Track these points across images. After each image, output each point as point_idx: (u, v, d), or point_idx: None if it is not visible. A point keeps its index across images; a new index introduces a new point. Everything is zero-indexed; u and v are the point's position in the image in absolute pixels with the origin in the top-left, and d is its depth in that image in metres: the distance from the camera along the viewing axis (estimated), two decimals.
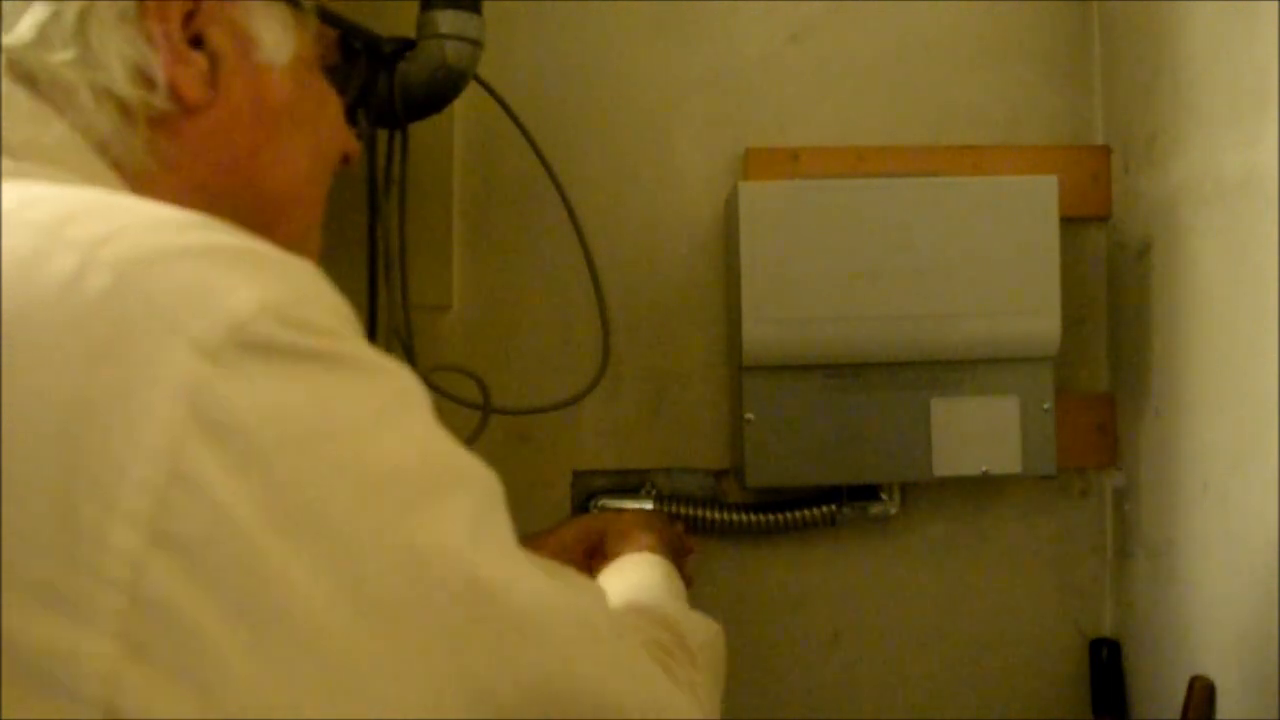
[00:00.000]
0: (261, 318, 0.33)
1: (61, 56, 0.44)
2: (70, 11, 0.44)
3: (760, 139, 1.10)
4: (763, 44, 1.11)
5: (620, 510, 1.04)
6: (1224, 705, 0.90)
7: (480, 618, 0.37)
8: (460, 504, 0.38)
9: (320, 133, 0.54)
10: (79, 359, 0.31)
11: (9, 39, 0.44)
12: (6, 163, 0.40)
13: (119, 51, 0.45)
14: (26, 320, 0.32)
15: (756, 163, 1.09)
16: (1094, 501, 1.13)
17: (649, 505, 1.08)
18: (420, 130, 0.98)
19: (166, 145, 0.46)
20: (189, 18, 0.47)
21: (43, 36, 0.44)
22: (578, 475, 1.10)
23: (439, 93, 0.91)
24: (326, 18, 0.57)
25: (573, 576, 0.46)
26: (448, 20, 0.89)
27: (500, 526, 0.40)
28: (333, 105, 0.56)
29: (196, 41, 0.47)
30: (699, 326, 1.11)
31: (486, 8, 0.91)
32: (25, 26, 0.44)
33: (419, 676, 0.35)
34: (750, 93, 1.11)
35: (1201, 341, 0.94)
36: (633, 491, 1.09)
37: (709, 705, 0.56)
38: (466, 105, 1.02)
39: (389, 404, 0.37)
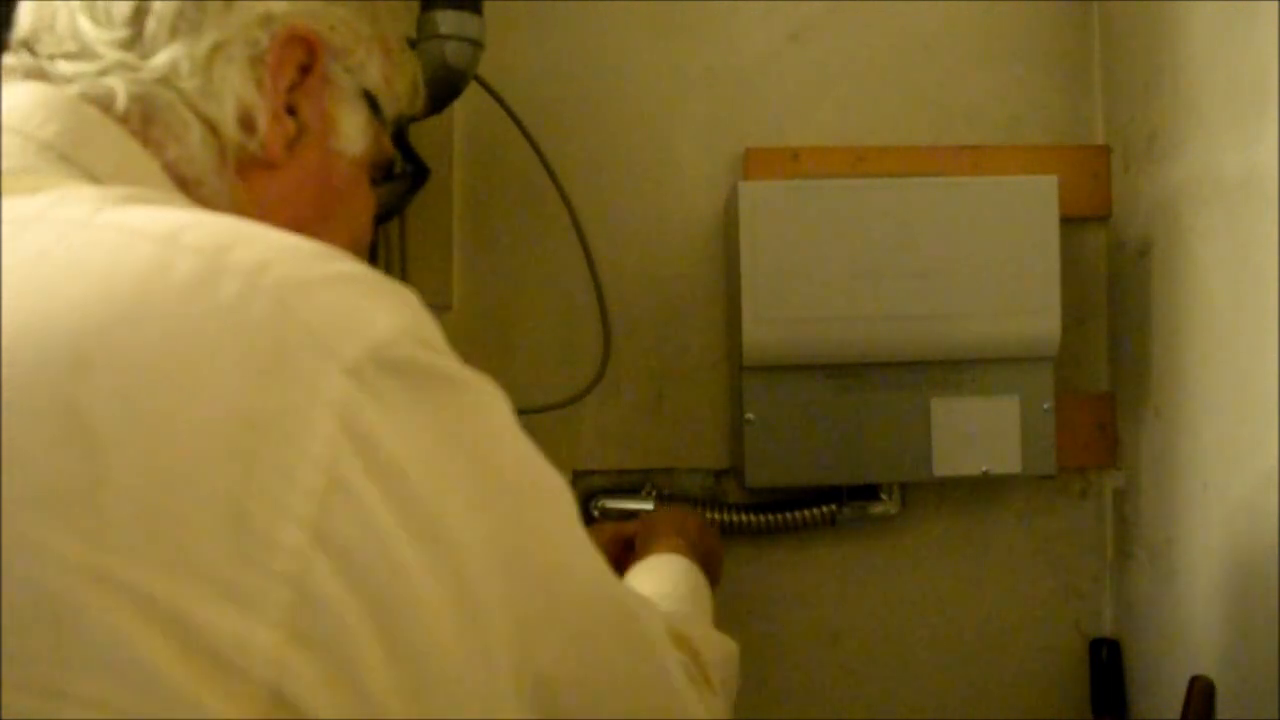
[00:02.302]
0: (400, 341, 0.37)
1: (187, 84, 0.48)
2: (206, 44, 0.49)
3: (760, 139, 1.10)
4: (763, 44, 1.11)
5: (651, 510, 1.04)
6: (1224, 705, 0.90)
7: (599, 622, 0.42)
8: (564, 513, 0.43)
9: (357, 232, 0.58)
10: (248, 378, 0.35)
11: (142, 74, 0.48)
12: (117, 189, 0.42)
13: (235, 90, 0.49)
14: (199, 340, 0.35)
15: (756, 163, 1.09)
16: (1094, 501, 1.13)
17: (649, 505, 1.08)
18: (420, 130, 0.98)
19: (243, 192, 0.50)
20: (292, 86, 0.52)
21: (174, 68, 0.48)
22: (578, 475, 1.10)
23: (439, 93, 0.91)
24: (396, 137, 0.61)
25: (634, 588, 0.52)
26: (448, 20, 0.89)
27: (586, 532, 0.45)
28: (371, 211, 0.60)
29: (289, 109, 0.52)
30: (699, 326, 1.11)
31: (486, 8, 0.91)
32: (160, 61, 0.48)
33: (537, 671, 0.40)
34: (750, 93, 1.11)
35: (1201, 341, 0.94)
36: (633, 491, 1.09)
37: None
38: (466, 105, 1.02)
39: (499, 420, 0.42)
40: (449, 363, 0.40)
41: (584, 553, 0.44)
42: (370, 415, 0.35)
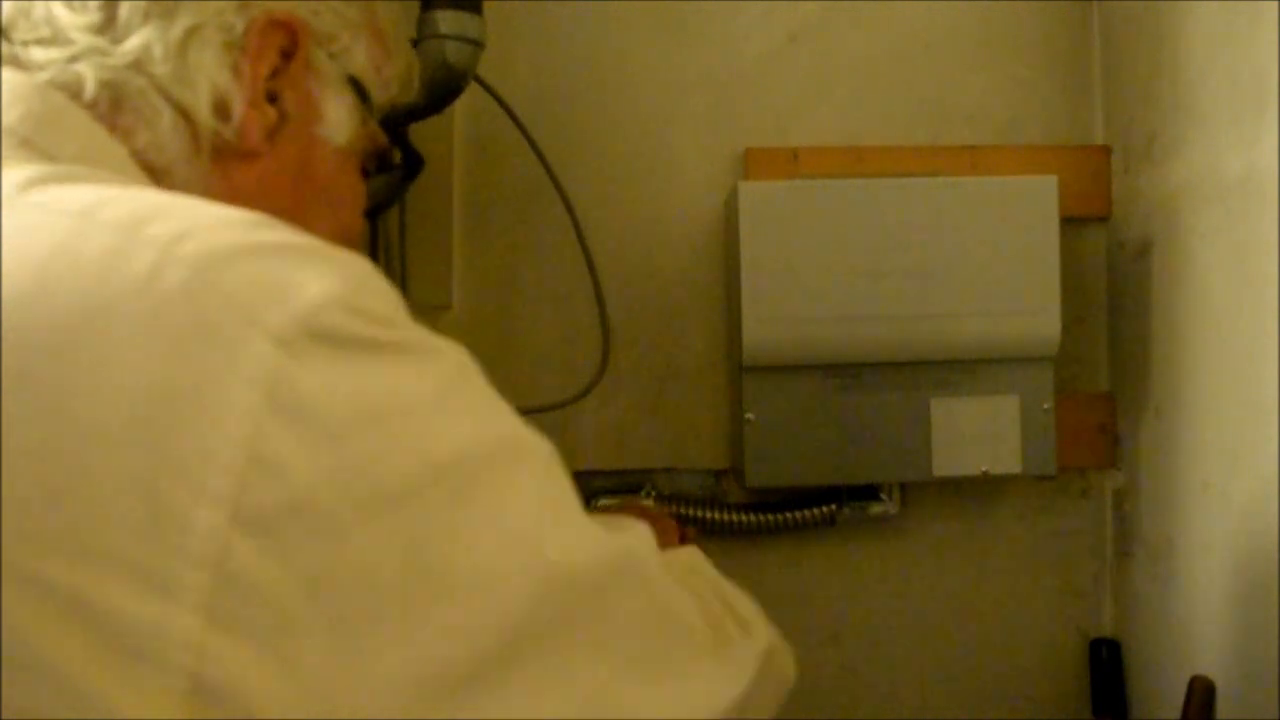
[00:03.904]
0: (329, 309, 0.36)
1: (160, 70, 0.47)
2: (179, 28, 0.47)
3: (760, 139, 1.10)
4: (763, 44, 1.11)
5: (625, 506, 1.04)
6: (1224, 705, 0.90)
7: (548, 589, 0.39)
8: (522, 477, 0.41)
9: (343, 220, 0.57)
10: (161, 350, 0.33)
11: (112, 59, 0.47)
12: (52, 167, 0.41)
13: (210, 76, 0.48)
14: (109, 314, 0.33)
15: (756, 163, 1.09)
16: (1094, 501, 1.13)
17: (649, 506, 1.08)
18: (420, 130, 0.98)
19: (217, 181, 0.49)
20: (274, 73, 0.50)
21: (146, 53, 0.47)
22: (578, 475, 1.08)
23: (439, 93, 0.91)
24: (386, 124, 0.60)
25: (624, 523, 0.49)
26: (448, 20, 0.88)
27: (560, 491, 0.43)
28: (359, 202, 0.59)
29: (270, 96, 0.51)
30: (699, 326, 1.11)
31: (486, 8, 0.91)
32: (131, 46, 0.47)
33: (483, 644, 0.37)
34: (750, 93, 1.11)
35: (1201, 341, 0.94)
36: (633, 491, 1.09)
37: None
38: (466, 105, 1.02)
39: (447, 385, 0.40)
40: (387, 329, 0.38)
41: (564, 519, 0.42)
42: (303, 385, 0.34)
